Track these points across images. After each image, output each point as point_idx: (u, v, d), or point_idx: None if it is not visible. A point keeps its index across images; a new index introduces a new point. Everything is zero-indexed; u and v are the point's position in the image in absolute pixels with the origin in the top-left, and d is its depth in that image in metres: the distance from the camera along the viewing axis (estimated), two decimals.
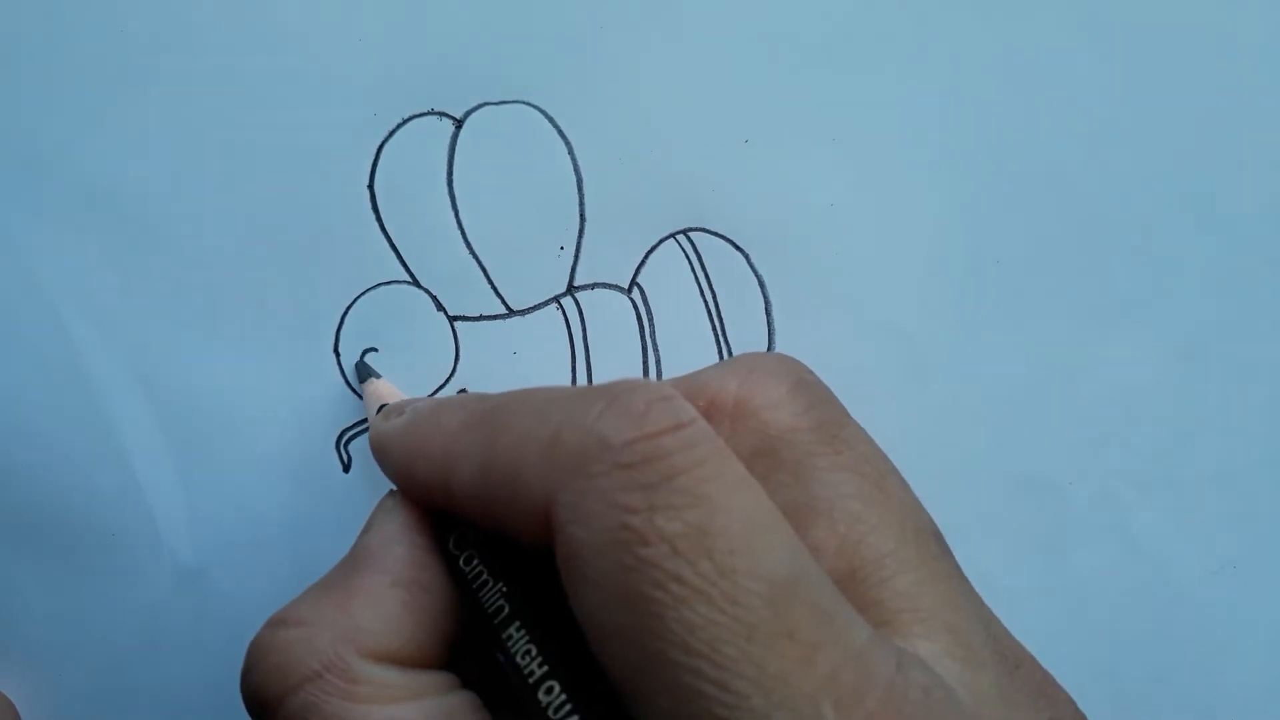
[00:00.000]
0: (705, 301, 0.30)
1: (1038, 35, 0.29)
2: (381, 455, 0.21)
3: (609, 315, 0.30)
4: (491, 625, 0.19)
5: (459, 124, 0.29)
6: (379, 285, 0.29)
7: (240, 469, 0.29)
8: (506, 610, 0.19)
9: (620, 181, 0.29)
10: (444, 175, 0.29)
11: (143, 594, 0.30)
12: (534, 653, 0.18)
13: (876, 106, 0.30)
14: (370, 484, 0.30)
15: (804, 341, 0.30)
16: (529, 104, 0.29)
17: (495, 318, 0.30)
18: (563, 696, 0.17)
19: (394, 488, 0.21)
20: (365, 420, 0.30)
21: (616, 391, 0.17)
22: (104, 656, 0.30)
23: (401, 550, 0.19)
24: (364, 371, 0.29)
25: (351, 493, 0.30)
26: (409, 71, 0.29)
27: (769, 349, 0.30)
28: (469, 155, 0.29)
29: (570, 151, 0.29)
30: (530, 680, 0.18)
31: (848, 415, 0.21)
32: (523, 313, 0.30)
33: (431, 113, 0.29)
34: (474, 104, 0.29)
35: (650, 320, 0.30)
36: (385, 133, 0.29)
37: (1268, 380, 0.30)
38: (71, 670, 0.30)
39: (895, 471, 0.20)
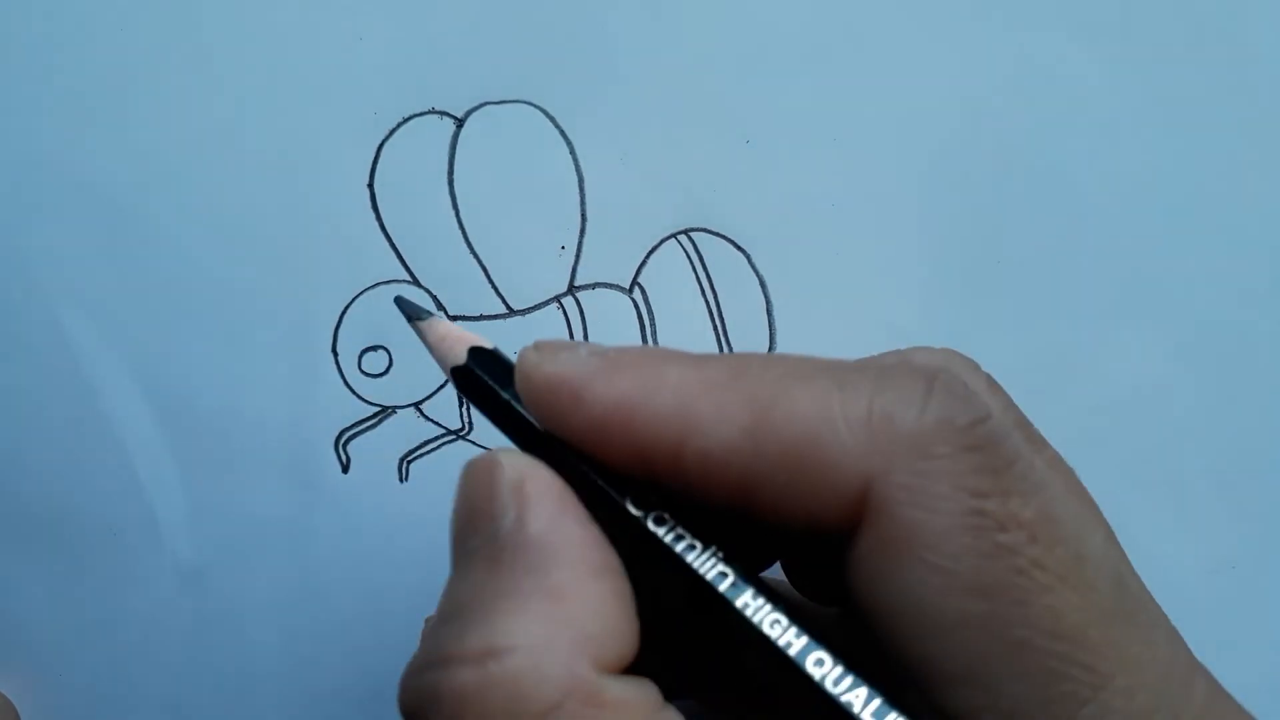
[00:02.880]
0: (706, 301, 0.30)
1: (1038, 35, 0.29)
2: (565, 399, 0.17)
3: (610, 315, 0.30)
4: (715, 595, 0.16)
5: (460, 123, 0.29)
6: (379, 284, 0.29)
7: (240, 469, 0.29)
8: (731, 578, 0.16)
9: (621, 181, 0.29)
10: (444, 175, 0.29)
11: (143, 594, 0.30)
12: (784, 622, 0.16)
13: (876, 106, 0.30)
14: (370, 484, 0.30)
15: (804, 342, 0.30)
16: (530, 104, 0.29)
17: (496, 317, 0.30)
18: (840, 668, 0.16)
19: (483, 452, 0.18)
20: (365, 420, 0.30)
21: (922, 370, 0.16)
22: (104, 656, 0.30)
23: (580, 531, 0.16)
24: (412, 309, 0.21)
25: (351, 493, 0.30)
26: (409, 71, 0.29)
27: (770, 349, 0.30)
28: (470, 155, 0.29)
29: (571, 151, 0.29)
30: (790, 652, 0.16)
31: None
32: (523, 312, 0.30)
33: (432, 112, 0.29)
34: (474, 103, 0.29)
35: (651, 320, 0.30)
36: (385, 132, 0.29)
37: (1268, 380, 0.30)
38: (72, 670, 0.30)
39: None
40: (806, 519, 0.16)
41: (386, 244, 0.29)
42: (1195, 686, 0.15)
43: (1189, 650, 0.16)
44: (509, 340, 0.30)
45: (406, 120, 0.29)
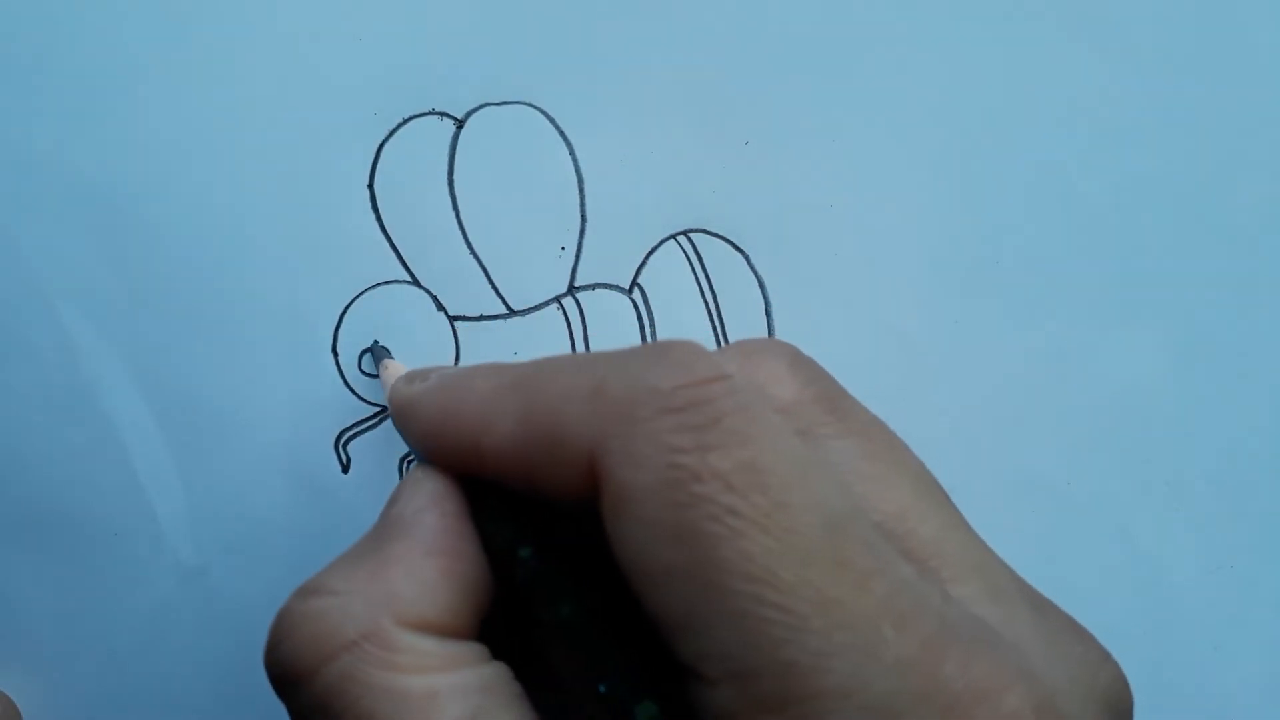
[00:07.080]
0: (705, 302, 0.30)
1: (1037, 35, 0.29)
2: (408, 417, 0.21)
3: (610, 315, 0.30)
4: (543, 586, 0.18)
5: (460, 124, 0.29)
6: (379, 285, 0.29)
7: (240, 469, 0.29)
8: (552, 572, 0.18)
9: (621, 182, 0.29)
10: (444, 175, 0.29)
11: (144, 593, 0.30)
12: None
13: (876, 106, 0.30)
14: (370, 484, 0.30)
15: (804, 342, 0.30)
16: (530, 104, 0.29)
17: (495, 318, 0.30)
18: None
19: (421, 462, 0.21)
20: (365, 420, 0.30)
21: (658, 346, 0.18)
22: (106, 656, 0.30)
23: (433, 519, 0.19)
24: (380, 354, 0.29)
25: (351, 493, 0.30)
26: (409, 71, 0.29)
27: None
28: (470, 155, 0.29)
29: (571, 152, 0.29)
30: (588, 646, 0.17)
31: (843, 389, 0.21)
32: (523, 313, 0.30)
33: (432, 113, 0.29)
34: (474, 104, 0.29)
35: (651, 321, 0.30)
36: (385, 133, 0.29)
37: (1268, 380, 0.30)
38: (74, 670, 0.30)
39: (896, 435, 0.21)
40: (571, 494, 0.18)
41: (386, 244, 0.29)
42: (912, 631, 0.15)
43: (940, 600, 0.16)
44: (509, 340, 0.30)
45: (406, 121, 0.29)
